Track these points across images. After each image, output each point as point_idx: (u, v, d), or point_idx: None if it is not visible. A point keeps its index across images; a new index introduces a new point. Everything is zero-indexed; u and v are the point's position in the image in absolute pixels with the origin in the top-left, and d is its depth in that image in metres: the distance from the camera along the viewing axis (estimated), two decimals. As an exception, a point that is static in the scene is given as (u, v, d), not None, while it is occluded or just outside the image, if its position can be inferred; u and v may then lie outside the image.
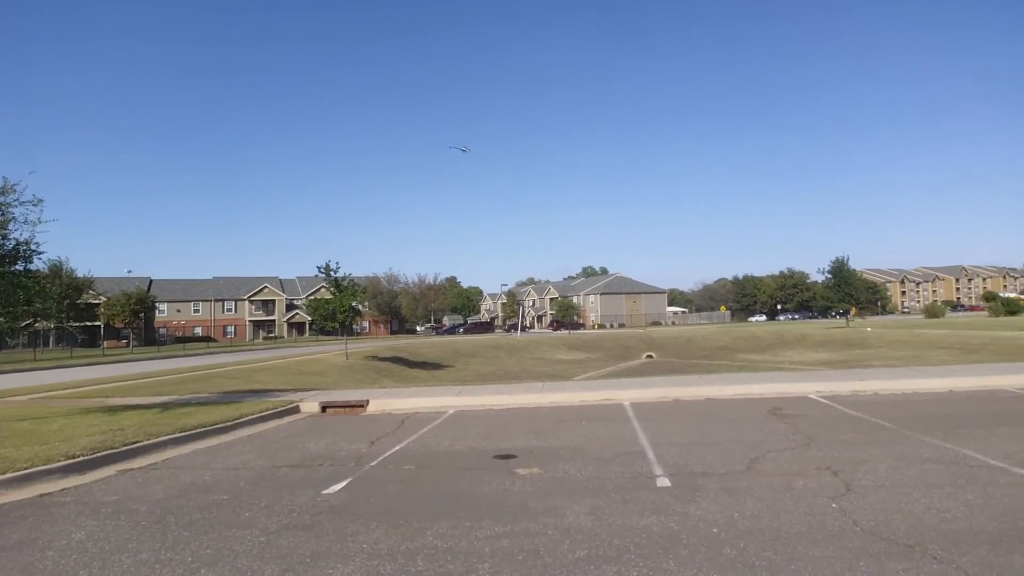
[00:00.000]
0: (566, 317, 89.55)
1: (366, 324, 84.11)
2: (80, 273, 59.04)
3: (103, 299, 64.75)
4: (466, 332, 77.14)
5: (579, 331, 73.59)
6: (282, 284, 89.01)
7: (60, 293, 49.29)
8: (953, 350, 28.73)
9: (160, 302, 77.85)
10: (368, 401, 13.06)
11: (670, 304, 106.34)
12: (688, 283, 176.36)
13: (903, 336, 37.49)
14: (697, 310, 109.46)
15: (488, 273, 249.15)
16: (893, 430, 8.49)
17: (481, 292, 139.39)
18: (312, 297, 65.68)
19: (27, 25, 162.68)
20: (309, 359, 30.42)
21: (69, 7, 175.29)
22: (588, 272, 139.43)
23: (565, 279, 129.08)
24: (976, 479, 5.95)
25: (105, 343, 64.79)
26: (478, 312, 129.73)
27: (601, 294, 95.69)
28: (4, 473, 7.04)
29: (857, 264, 65.99)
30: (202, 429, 10.05)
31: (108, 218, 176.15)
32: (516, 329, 69.86)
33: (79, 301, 59.29)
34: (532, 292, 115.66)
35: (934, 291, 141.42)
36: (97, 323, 66.67)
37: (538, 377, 26.97)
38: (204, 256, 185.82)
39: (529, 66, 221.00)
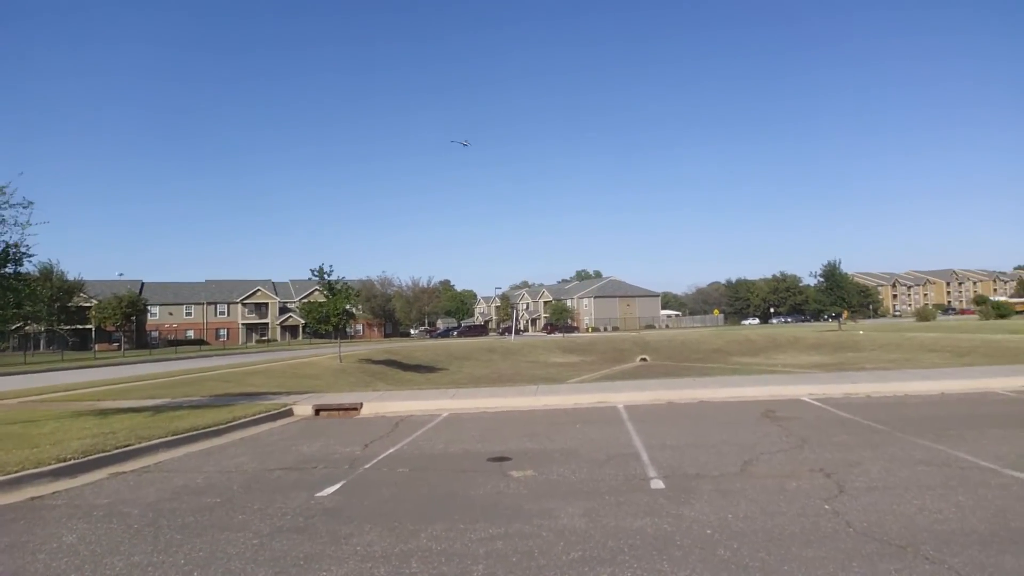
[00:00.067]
0: (560, 320, 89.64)
1: (360, 327, 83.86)
2: (71, 276, 58.64)
3: (94, 302, 64.27)
4: (460, 335, 77.16)
5: (573, 334, 73.63)
6: (275, 287, 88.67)
7: (51, 296, 48.87)
8: (944, 353, 28.96)
9: (152, 305, 77.33)
10: (362, 404, 13.02)
11: (664, 307, 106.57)
12: (681, 286, 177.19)
13: (895, 339, 37.73)
14: (690, 313, 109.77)
15: (482, 276, 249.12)
16: (885, 432, 8.54)
17: (475, 295, 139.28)
18: (305, 300, 65.35)
19: (26, 28, 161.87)
20: (302, 362, 30.32)
21: (68, 11, 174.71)
22: (582, 275, 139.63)
23: (559, 282, 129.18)
24: (967, 480, 6.00)
25: (96, 346, 64.40)
26: (472, 315, 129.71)
27: (595, 297, 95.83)
28: (-6, 476, 6.98)
29: (849, 268, 66.14)
30: (194, 432, 9.99)
31: (99, 221, 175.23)
32: (510, 332, 69.84)
33: (70, 304, 58.81)
34: (526, 295, 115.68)
35: (925, 295, 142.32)
36: (88, 326, 66.17)
37: (532, 380, 26.98)
38: (196, 259, 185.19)
39: (527, 71, 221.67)
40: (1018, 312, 68.58)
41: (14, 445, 8.81)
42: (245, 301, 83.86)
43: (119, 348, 63.69)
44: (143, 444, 8.95)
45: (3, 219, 10.91)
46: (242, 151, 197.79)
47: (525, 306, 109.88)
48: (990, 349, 27.35)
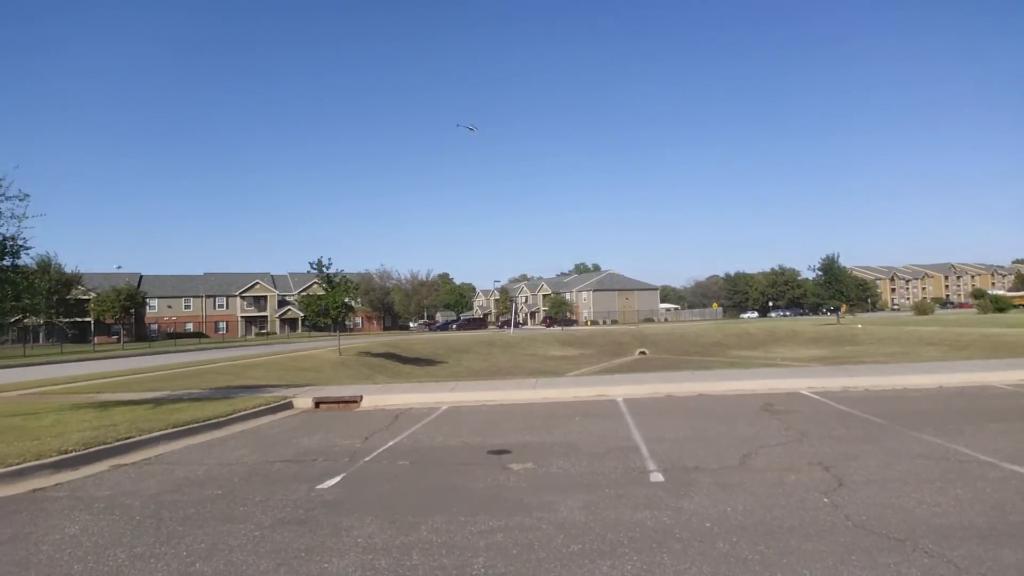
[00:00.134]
0: (559, 314, 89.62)
1: (359, 320, 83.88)
2: (68, 268, 58.58)
3: (93, 295, 64.25)
4: (459, 328, 77.13)
5: (572, 327, 73.66)
6: (274, 280, 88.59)
7: (49, 289, 48.78)
8: (943, 347, 29.01)
9: (151, 298, 77.18)
10: (362, 397, 13.04)
11: (663, 301, 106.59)
12: (680, 280, 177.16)
13: (893, 333, 37.79)
14: (689, 307, 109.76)
15: (481, 269, 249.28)
16: (884, 426, 8.57)
17: (474, 288, 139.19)
18: (304, 293, 65.35)
19: (31, 29, 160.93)
20: (302, 355, 30.32)
21: (71, 12, 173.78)
22: (581, 269, 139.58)
23: (558, 276, 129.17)
24: (966, 474, 6.02)
25: (96, 339, 64.40)
26: (471, 308, 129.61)
27: (594, 291, 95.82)
28: (-5, 468, 7.00)
29: (847, 261, 66.06)
30: (195, 425, 10.01)
31: (98, 214, 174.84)
32: (509, 325, 69.83)
33: (68, 297, 58.77)
34: (525, 289, 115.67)
35: (923, 288, 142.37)
36: (87, 319, 66.17)
37: (531, 373, 27.02)
38: (195, 252, 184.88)
39: (527, 69, 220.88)
40: (1016, 306, 68.65)
41: (15, 437, 8.83)
42: (244, 294, 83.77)
43: (118, 341, 63.67)
44: (144, 436, 8.97)
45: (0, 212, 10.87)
46: (241, 145, 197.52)
47: (524, 299, 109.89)
48: (988, 343, 27.40)
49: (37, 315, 47.45)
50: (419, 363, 34.66)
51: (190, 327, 79.18)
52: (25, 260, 11.84)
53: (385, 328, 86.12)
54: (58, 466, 7.43)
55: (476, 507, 5.55)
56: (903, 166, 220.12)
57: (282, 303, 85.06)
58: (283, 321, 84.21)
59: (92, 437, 8.61)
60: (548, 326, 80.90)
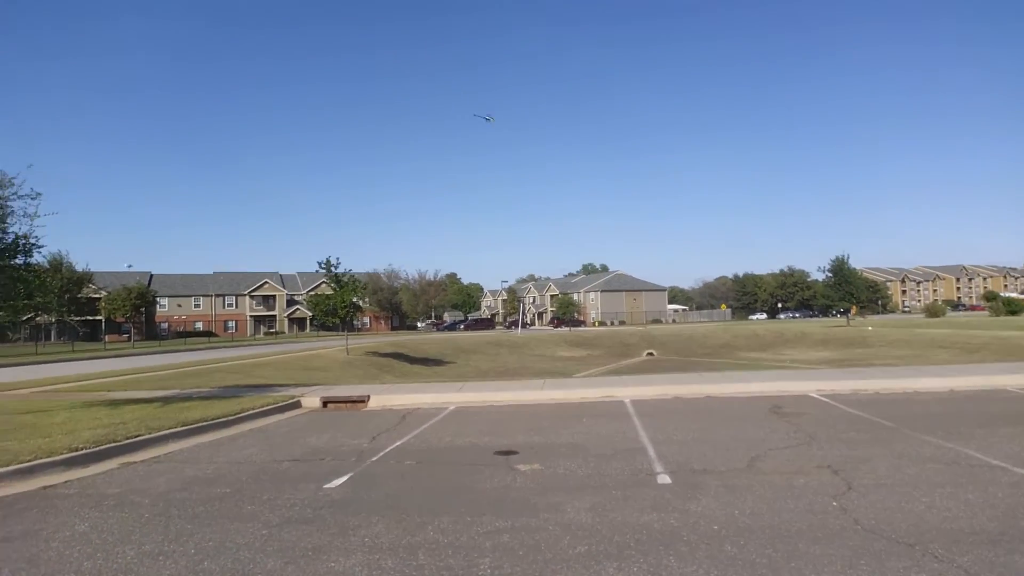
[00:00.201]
0: (567, 314, 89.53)
1: (367, 320, 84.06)
2: (79, 267, 59.10)
3: (104, 293, 64.77)
4: (467, 328, 77.23)
5: (580, 328, 73.57)
6: (283, 279, 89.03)
7: (60, 287, 49.29)
8: (954, 349, 28.74)
9: (161, 297, 77.79)
10: (369, 397, 13.08)
11: (671, 302, 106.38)
12: (689, 281, 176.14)
13: (904, 335, 37.48)
14: (698, 308, 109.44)
15: (489, 270, 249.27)
16: (894, 429, 8.50)
17: (482, 289, 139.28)
18: (313, 293, 65.79)
19: (50, 37, 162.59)
20: (310, 354, 30.43)
21: (92, 21, 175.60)
22: (589, 269, 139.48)
23: (566, 276, 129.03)
24: (977, 479, 5.97)
25: (106, 337, 64.83)
26: (479, 309, 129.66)
27: (602, 291, 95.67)
28: (8, 465, 7.07)
29: (857, 263, 65.54)
30: (204, 423, 10.07)
31: (109, 213, 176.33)
32: (517, 326, 69.82)
33: (80, 295, 59.31)
34: (533, 289, 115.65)
35: (935, 290, 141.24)
36: (98, 317, 66.67)
37: (539, 374, 27.00)
38: (205, 251, 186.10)
39: (529, 67, 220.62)
40: (1029, 308, 67.83)
41: (27, 435, 8.91)
42: (253, 293, 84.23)
43: (129, 339, 64.10)
44: (153, 434, 9.03)
45: (12, 210, 10.98)
46: (251, 149, 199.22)
47: (531, 300, 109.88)
48: (1001, 346, 27.12)
49: (49, 313, 48.01)
50: (427, 363, 34.71)
51: (200, 326, 79.67)
52: (37, 259, 11.96)
53: (393, 328, 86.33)
54: (69, 463, 7.49)
55: (483, 508, 5.55)
56: (915, 168, 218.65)
57: (291, 302, 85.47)
58: (291, 320, 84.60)
59: (102, 435, 8.68)
60: (555, 327, 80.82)
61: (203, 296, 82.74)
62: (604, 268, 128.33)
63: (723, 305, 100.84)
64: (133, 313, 64.41)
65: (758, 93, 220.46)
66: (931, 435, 7.96)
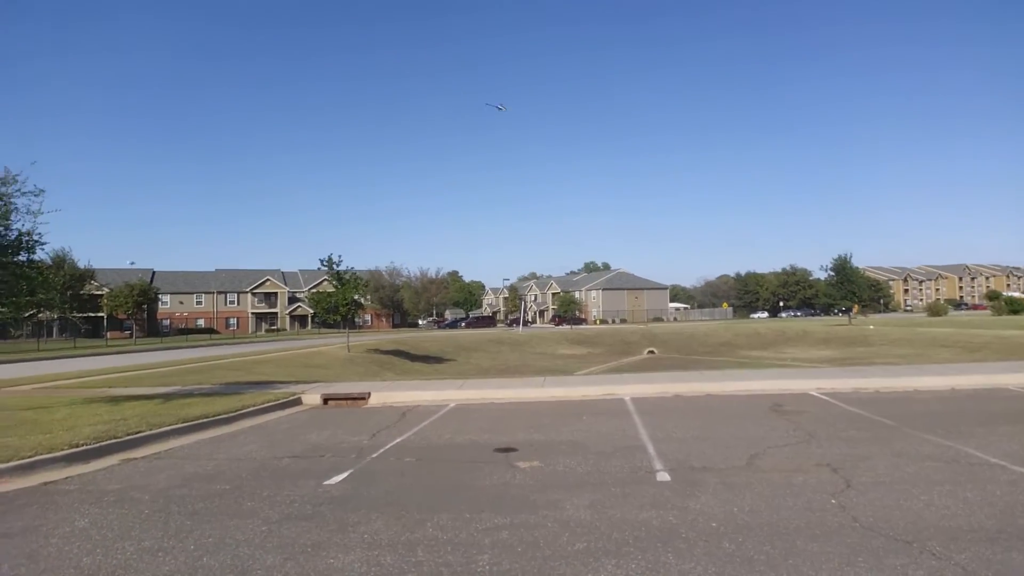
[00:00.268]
0: (568, 312, 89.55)
1: (368, 317, 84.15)
2: (81, 264, 59.23)
3: (106, 290, 64.94)
4: (468, 326, 77.29)
5: (581, 326, 73.60)
6: (284, 277, 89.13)
7: (63, 284, 49.39)
8: (956, 348, 28.71)
9: (163, 294, 77.99)
10: (370, 394, 13.09)
11: (672, 300, 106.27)
12: (690, 279, 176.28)
13: (905, 334, 37.44)
14: (699, 306, 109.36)
15: (490, 268, 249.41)
16: (894, 427, 8.50)
17: (483, 286, 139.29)
18: (314, 290, 65.78)
19: (55, 34, 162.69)
20: (311, 351, 30.48)
21: (87, 18, 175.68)
22: (590, 267, 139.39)
23: (567, 274, 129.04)
24: (976, 477, 5.97)
25: (108, 334, 65.07)
26: (480, 306, 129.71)
27: (603, 289, 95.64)
28: (9, 461, 7.09)
29: (860, 262, 65.28)
30: (205, 420, 10.09)
31: (111, 210, 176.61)
32: (518, 324, 69.84)
33: (82, 292, 59.46)
34: (534, 287, 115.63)
35: (937, 289, 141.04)
36: (100, 314, 66.89)
37: (539, 372, 27.03)
38: (207, 248, 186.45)
39: (530, 66, 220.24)
40: (1031, 308, 67.70)
41: (28, 431, 8.93)
42: (255, 290, 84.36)
43: (130, 336, 64.30)
44: (154, 431, 9.05)
45: (16, 207, 11.00)
46: (253, 148, 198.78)
47: (533, 298, 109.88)
48: (1002, 345, 27.09)
49: (51, 310, 48.06)
50: (428, 361, 34.75)
51: (201, 323, 79.83)
52: (40, 255, 11.99)
53: (394, 326, 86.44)
54: (69, 459, 7.51)
55: (482, 504, 5.56)
56: (917, 167, 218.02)
57: (292, 300, 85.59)
58: (293, 318, 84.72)
59: (103, 431, 8.70)
60: (557, 325, 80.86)
61: (205, 293, 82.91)
62: (606, 266, 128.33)
63: (725, 304, 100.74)
64: (135, 310, 64.63)
65: (759, 93, 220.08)
66: (931, 433, 7.96)
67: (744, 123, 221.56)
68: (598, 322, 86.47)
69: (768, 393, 12.24)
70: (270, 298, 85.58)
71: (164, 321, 78.24)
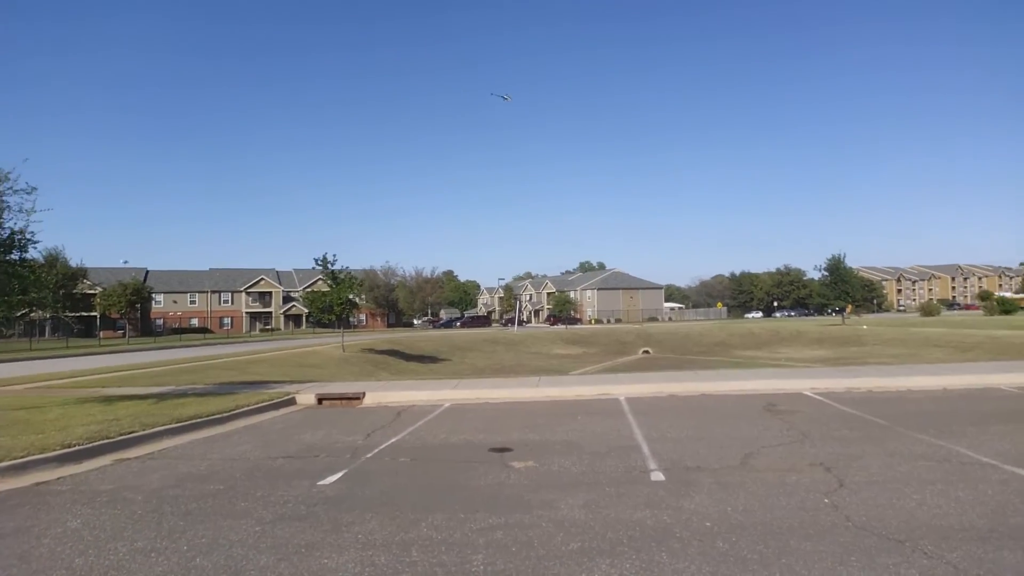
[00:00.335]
0: (563, 312, 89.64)
1: (363, 317, 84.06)
2: (74, 262, 58.88)
3: (99, 289, 64.58)
4: (463, 326, 77.28)
5: (576, 326, 73.66)
6: (279, 276, 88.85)
7: (56, 283, 49.07)
8: (948, 348, 28.87)
9: (156, 293, 77.71)
10: (364, 394, 13.07)
11: (667, 300, 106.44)
12: (685, 279, 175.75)
13: (898, 334, 37.63)
14: (694, 306, 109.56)
15: (485, 267, 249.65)
16: (886, 427, 8.54)
17: (478, 286, 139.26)
18: (309, 289, 65.50)
19: (51, 32, 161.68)
20: (306, 351, 30.39)
21: (85, 16, 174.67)
22: (585, 267, 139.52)
23: (562, 274, 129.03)
24: (968, 476, 6.01)
25: (101, 333, 64.65)
26: (475, 306, 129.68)
27: (598, 289, 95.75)
28: (1, 462, 7.04)
29: (853, 262, 65.69)
30: (198, 420, 10.05)
31: (105, 208, 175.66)
32: (513, 323, 69.85)
33: (75, 291, 59.12)
34: (529, 287, 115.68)
35: (930, 290, 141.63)
36: (93, 313, 66.50)
37: (535, 371, 27.03)
38: (201, 247, 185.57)
39: (532, 70, 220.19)
40: (1023, 308, 68.22)
41: (20, 431, 8.88)
42: (249, 290, 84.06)
43: (124, 336, 63.99)
44: (147, 431, 9.01)
45: (8, 205, 10.94)
46: (248, 146, 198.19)
47: (528, 297, 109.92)
48: (994, 345, 27.27)
49: (44, 309, 47.63)
50: (422, 360, 34.70)
51: (195, 322, 79.52)
52: (33, 254, 11.93)
53: (389, 325, 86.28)
54: (62, 460, 7.47)
55: (477, 504, 5.56)
56: (911, 167, 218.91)
57: (287, 299, 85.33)
58: (287, 317, 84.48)
59: (96, 431, 8.66)
60: (552, 324, 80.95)
61: (199, 292, 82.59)
62: (601, 266, 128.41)
63: (719, 303, 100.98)
64: (128, 309, 64.39)
65: (757, 92, 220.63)
66: (923, 433, 8.00)
67: (740, 124, 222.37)
68: (593, 322, 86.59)
69: (762, 393, 12.28)
70: (264, 297, 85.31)
71: (158, 320, 77.90)
